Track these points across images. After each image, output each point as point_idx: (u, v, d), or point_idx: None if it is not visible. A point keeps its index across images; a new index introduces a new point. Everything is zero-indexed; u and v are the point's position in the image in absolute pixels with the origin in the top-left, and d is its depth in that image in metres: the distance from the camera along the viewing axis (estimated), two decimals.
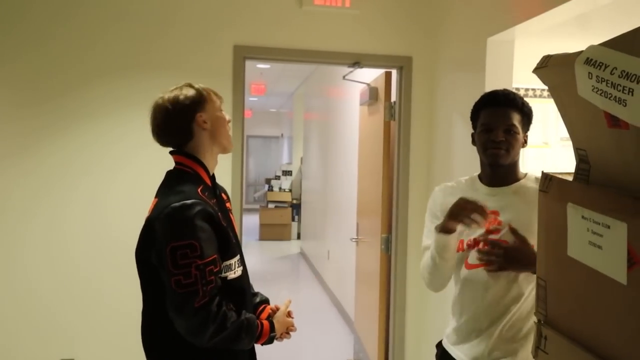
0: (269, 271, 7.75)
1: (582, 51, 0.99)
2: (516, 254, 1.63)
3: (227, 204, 1.80)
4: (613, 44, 0.92)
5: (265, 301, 1.91)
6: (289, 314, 1.84)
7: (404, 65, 3.42)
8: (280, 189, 10.69)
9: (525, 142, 1.78)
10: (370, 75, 4.08)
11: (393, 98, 3.57)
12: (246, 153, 15.11)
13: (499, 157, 1.71)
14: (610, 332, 0.98)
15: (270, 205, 10.40)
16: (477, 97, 2.54)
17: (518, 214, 1.69)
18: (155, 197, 1.66)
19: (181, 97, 1.66)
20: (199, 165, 1.69)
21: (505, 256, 1.63)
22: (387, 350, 3.60)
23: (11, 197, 3.04)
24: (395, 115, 3.53)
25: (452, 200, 1.71)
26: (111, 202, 3.12)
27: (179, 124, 1.66)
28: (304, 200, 9.43)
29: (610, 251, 0.95)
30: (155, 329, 1.64)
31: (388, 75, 3.57)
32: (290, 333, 1.83)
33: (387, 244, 3.56)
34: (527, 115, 1.76)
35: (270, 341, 1.72)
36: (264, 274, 7.46)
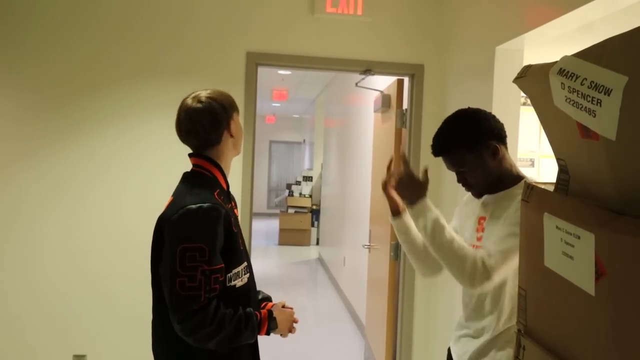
0: (286, 276, 7.79)
1: (557, 61, 0.99)
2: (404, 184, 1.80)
3: (235, 210, 1.81)
4: (584, 54, 0.93)
5: (268, 299, 1.91)
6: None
7: (415, 73, 3.42)
8: (300, 194, 10.73)
9: (494, 152, 1.69)
10: (384, 82, 4.08)
11: (405, 105, 3.57)
12: (269, 158, 15.25)
13: (471, 192, 1.80)
14: (581, 343, 0.97)
15: (290, 211, 10.45)
16: (486, 106, 2.53)
17: (492, 218, 1.73)
18: (172, 196, 1.65)
19: (219, 98, 1.66)
20: (217, 169, 1.69)
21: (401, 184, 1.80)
22: (394, 357, 3.59)
23: (30, 197, 3.15)
24: (406, 123, 3.53)
25: (465, 207, 1.88)
26: (126, 202, 3.21)
27: (212, 124, 1.64)
28: (324, 206, 9.44)
29: (580, 262, 0.94)
30: (170, 339, 1.60)
31: (400, 83, 3.58)
32: (294, 326, 1.81)
33: (396, 251, 3.55)
34: (468, 140, 1.68)
35: (272, 326, 1.66)
36: (282, 278, 7.50)
